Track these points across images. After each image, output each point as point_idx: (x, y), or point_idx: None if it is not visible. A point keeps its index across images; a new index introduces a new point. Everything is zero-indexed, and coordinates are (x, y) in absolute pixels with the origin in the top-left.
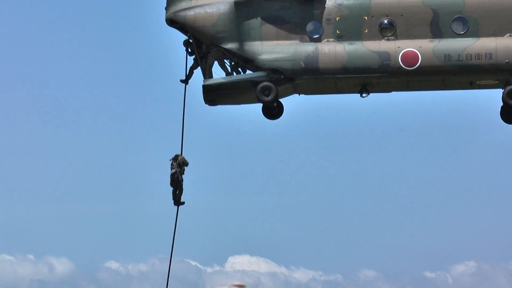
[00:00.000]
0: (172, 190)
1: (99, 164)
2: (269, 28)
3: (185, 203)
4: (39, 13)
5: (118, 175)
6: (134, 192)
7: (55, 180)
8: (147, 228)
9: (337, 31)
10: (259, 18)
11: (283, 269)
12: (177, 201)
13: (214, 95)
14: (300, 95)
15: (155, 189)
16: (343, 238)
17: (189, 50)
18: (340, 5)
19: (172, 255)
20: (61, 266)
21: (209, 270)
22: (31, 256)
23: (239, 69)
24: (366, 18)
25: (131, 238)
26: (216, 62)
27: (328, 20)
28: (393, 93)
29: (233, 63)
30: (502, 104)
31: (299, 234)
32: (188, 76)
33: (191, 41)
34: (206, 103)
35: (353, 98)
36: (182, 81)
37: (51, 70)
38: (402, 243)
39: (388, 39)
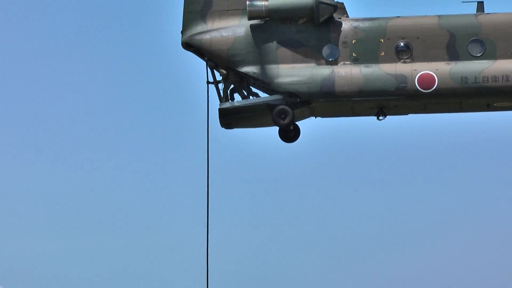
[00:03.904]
0: None
1: (109, 199)
2: (285, 51)
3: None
4: (54, 41)
5: (128, 208)
6: (143, 228)
7: (61, 215)
8: (156, 264)
9: (354, 54)
10: (275, 42)
11: None
12: None
13: (230, 118)
14: (317, 118)
15: (164, 224)
16: (355, 271)
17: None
18: (356, 28)
19: None
20: None
21: None
22: None
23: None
24: (382, 40)
25: (139, 274)
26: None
27: (345, 43)
28: (410, 115)
29: (249, 86)
30: None
31: (310, 266)
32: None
33: (207, 64)
34: (222, 126)
35: (370, 120)
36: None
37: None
38: (413, 275)
39: (404, 62)
